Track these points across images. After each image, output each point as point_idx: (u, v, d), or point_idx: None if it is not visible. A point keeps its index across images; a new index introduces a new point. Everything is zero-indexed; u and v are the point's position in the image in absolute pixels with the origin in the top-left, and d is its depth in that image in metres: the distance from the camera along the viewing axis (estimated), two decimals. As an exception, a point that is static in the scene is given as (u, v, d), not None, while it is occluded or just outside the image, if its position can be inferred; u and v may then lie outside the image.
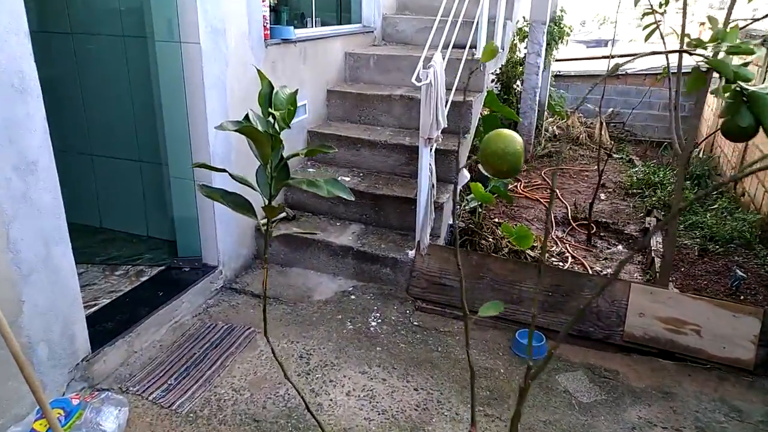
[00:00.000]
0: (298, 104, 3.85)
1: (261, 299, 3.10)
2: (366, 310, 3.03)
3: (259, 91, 1.15)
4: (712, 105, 6.56)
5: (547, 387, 2.52)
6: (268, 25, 3.25)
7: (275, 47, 3.35)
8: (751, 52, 0.82)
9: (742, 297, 3.51)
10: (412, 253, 3.20)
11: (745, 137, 0.82)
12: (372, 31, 4.85)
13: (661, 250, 4.02)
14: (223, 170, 1.27)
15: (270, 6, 4.06)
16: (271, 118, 1.11)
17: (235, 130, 1.06)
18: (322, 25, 4.35)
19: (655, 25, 2.87)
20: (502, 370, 2.62)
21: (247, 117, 1.10)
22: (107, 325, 2.55)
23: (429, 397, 2.42)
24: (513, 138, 1.02)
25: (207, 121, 2.83)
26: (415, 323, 2.96)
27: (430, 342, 2.80)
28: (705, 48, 0.78)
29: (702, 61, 0.79)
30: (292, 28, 3.49)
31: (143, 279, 2.97)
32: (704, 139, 5.01)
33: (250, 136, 1.08)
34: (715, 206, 4.94)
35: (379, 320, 2.95)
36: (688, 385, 2.58)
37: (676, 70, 2.98)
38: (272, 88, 1.16)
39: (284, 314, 2.97)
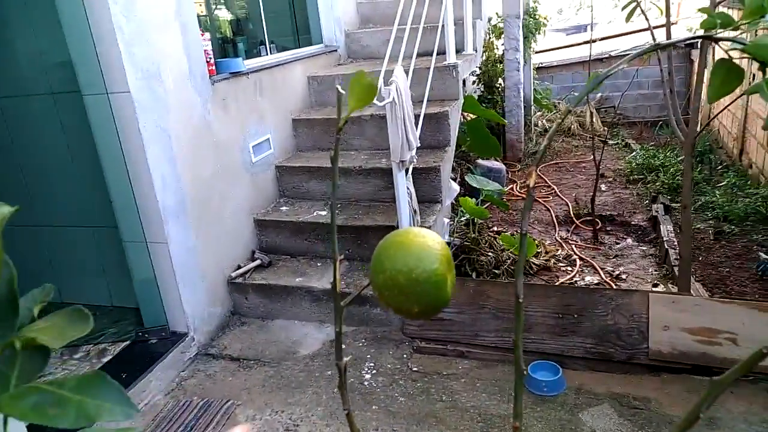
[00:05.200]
0: (261, 139, 3.62)
1: (240, 363, 2.78)
2: (358, 360, 2.71)
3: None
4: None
5: (570, 429, 2.18)
6: (212, 60, 2.96)
7: (224, 83, 3.06)
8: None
9: (771, 284, 3.18)
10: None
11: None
12: (335, 50, 4.56)
13: (675, 241, 3.71)
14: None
15: (222, 39, 3.80)
16: None
17: None
18: (281, 50, 4.06)
19: (635, 3, 2.57)
20: (517, 415, 2.29)
21: None
22: (62, 423, 2.23)
23: (436, 462, 2.09)
24: (423, 246, 0.54)
25: (150, 174, 2.53)
26: (414, 369, 2.63)
27: (432, 391, 2.47)
28: (736, 28, 0.47)
29: (734, 47, 0.48)
30: (240, 59, 3.20)
31: (105, 359, 2.66)
32: (712, 118, 4.69)
33: None
34: (723, 183, 4.62)
35: (374, 371, 2.62)
36: (732, 405, 2.24)
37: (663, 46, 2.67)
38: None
39: (267, 378, 2.65)
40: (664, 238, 3.76)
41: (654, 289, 3.22)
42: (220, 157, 3.03)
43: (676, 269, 3.33)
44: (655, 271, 3.62)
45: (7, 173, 3.04)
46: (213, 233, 2.99)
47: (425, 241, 0.54)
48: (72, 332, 0.71)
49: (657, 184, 4.89)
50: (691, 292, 2.73)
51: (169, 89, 2.64)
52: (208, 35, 2.96)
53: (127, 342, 2.79)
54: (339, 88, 0.49)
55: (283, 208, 3.50)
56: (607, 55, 7.28)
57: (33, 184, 3.04)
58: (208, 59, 2.93)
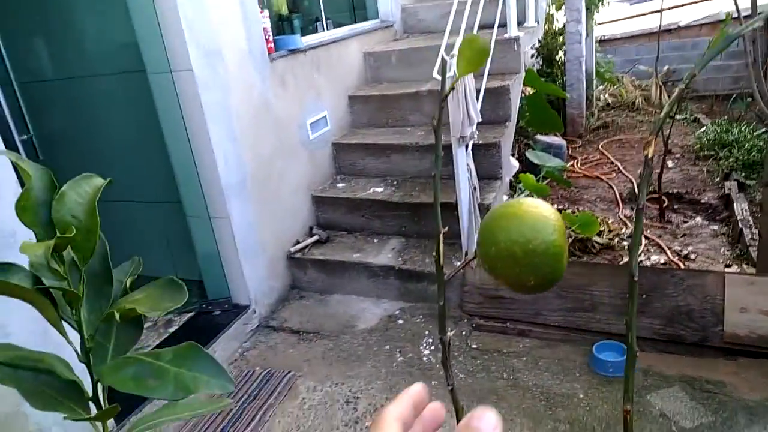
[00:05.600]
0: (318, 116, 3.62)
1: (300, 335, 2.83)
2: (416, 336, 2.70)
3: (21, 195, 0.63)
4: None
5: (638, 411, 2.11)
6: (270, 38, 2.97)
7: (282, 60, 3.07)
8: None
9: None
10: (459, 264, 2.84)
11: None
12: (392, 25, 4.50)
13: (750, 220, 3.50)
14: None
15: (278, 16, 3.80)
16: (53, 254, 0.60)
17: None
18: (337, 27, 4.04)
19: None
20: (581, 395, 2.23)
21: (5, 266, 0.63)
22: (133, 390, 2.34)
23: (497, 439, 2.06)
24: (539, 216, 0.50)
25: (213, 153, 2.58)
26: (474, 346, 2.60)
27: (492, 368, 2.44)
28: None
29: None
30: (298, 36, 3.20)
31: (171, 329, 2.76)
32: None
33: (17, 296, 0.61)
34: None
35: (432, 347, 2.61)
36: (816, 391, 2.10)
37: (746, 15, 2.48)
38: (54, 185, 0.65)
39: (326, 351, 2.68)
40: (738, 217, 3.55)
41: (729, 269, 3.05)
42: (279, 134, 3.06)
43: (751, 249, 3.15)
44: (728, 251, 3.43)
45: (77, 151, 3.17)
46: (272, 209, 3.03)
47: (540, 212, 0.50)
48: (168, 302, 0.71)
49: (730, 160, 4.61)
50: (771, 272, 2.57)
51: (229, 67, 2.66)
52: (266, 12, 2.96)
53: (192, 313, 2.88)
54: (443, 55, 0.48)
55: (340, 184, 3.51)
56: (675, 26, 6.89)
57: (102, 161, 3.15)
58: (267, 37, 2.93)
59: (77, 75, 2.98)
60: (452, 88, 0.47)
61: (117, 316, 0.56)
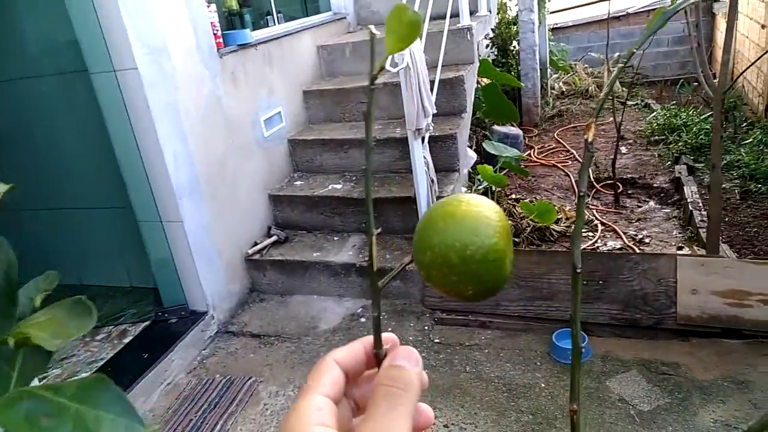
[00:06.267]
0: (272, 113, 3.55)
1: (261, 339, 2.77)
2: (379, 333, 2.68)
3: None
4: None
5: (598, 397, 2.14)
6: (219, 33, 2.88)
7: (232, 55, 2.98)
8: None
9: (804, 244, 3.07)
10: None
11: None
12: (345, 17, 4.44)
13: (699, 202, 3.60)
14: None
15: (228, 11, 3.70)
16: None
17: None
18: (288, 20, 3.96)
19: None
20: (543, 385, 2.25)
21: None
22: (87, 404, 2.25)
23: (462, 433, 2.06)
24: (479, 217, 0.43)
25: (162, 153, 2.49)
26: (437, 340, 2.60)
27: (455, 362, 2.44)
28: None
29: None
30: (248, 30, 3.12)
31: (127, 340, 2.66)
32: (740, 74, 4.51)
33: None
34: (749, 141, 4.46)
35: (395, 343, 2.59)
36: (765, 367, 2.18)
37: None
38: None
39: (288, 354, 2.64)
40: (689, 200, 3.65)
41: (681, 252, 3.14)
42: (232, 132, 2.98)
43: (701, 231, 3.24)
44: (680, 233, 3.53)
45: (19, 156, 3.02)
46: (228, 210, 2.95)
47: (480, 211, 0.43)
48: (73, 329, 0.65)
49: (679, 144, 4.74)
50: (720, 254, 2.65)
51: (176, 64, 2.57)
52: (213, 7, 2.87)
53: (148, 322, 2.79)
54: (372, 28, 0.40)
55: (298, 182, 3.45)
56: (624, 13, 7.03)
57: (46, 167, 3.01)
58: (215, 31, 2.84)
59: (15, 77, 2.84)
60: (381, 68, 0.41)
61: (11, 343, 0.50)
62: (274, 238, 3.17)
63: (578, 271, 0.43)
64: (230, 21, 3.61)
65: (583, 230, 3.75)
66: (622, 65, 0.49)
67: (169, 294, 2.81)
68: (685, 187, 3.86)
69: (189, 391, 2.47)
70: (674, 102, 5.93)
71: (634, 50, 0.44)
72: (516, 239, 3.44)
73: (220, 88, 2.88)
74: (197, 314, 2.77)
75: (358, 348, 0.41)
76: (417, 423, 0.39)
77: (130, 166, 2.57)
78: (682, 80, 6.47)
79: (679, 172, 4.20)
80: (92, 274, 3.22)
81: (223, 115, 2.90)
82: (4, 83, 2.87)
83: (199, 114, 2.72)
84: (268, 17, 3.79)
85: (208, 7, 2.82)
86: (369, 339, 0.40)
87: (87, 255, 3.18)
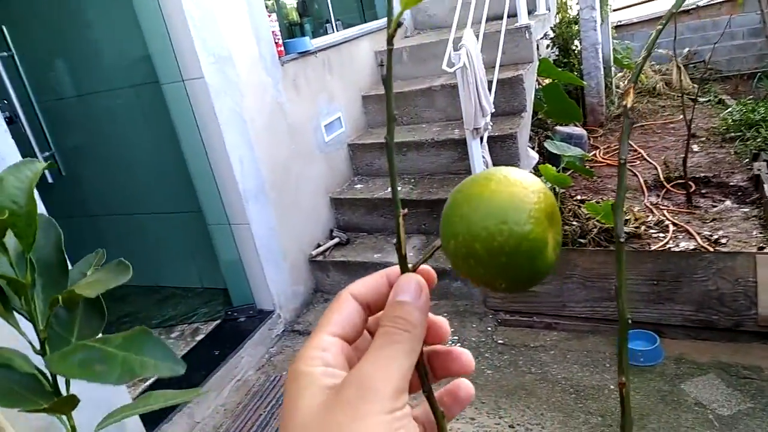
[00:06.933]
0: (332, 118, 3.62)
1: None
2: (441, 334, 2.67)
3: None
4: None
5: (672, 401, 2.05)
6: (280, 41, 2.98)
7: (293, 63, 3.07)
8: None
9: None
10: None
11: None
12: (401, 22, 4.48)
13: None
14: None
15: (289, 22, 3.82)
16: None
17: None
18: (347, 27, 4.04)
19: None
20: (612, 387, 2.17)
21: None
22: (162, 399, 2.36)
23: (528, 434, 2.02)
24: (511, 198, 0.37)
25: (229, 159, 2.59)
26: (500, 341, 2.56)
27: (520, 363, 2.40)
28: None
29: None
30: (307, 38, 3.20)
31: (199, 338, 2.78)
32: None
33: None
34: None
35: (458, 344, 2.57)
36: None
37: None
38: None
39: (351, 353, 2.67)
40: (769, 197, 3.44)
41: (762, 251, 2.96)
42: (294, 137, 3.06)
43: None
44: (760, 233, 3.33)
45: (97, 166, 3.23)
46: (291, 213, 3.04)
47: (513, 191, 0.37)
48: (111, 281, 0.71)
49: (758, 140, 4.47)
50: (806, 252, 2.48)
51: (240, 72, 2.68)
52: (274, 16, 2.97)
53: (218, 321, 2.90)
54: None
55: (358, 185, 3.50)
56: (694, 6, 6.73)
57: (122, 176, 3.20)
58: (277, 40, 2.94)
59: (94, 90, 3.04)
60: (399, 24, 0.38)
61: (60, 300, 0.55)
62: (336, 240, 3.23)
63: (621, 240, 0.42)
64: (291, 30, 3.73)
65: (653, 231, 3.61)
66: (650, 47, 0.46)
67: (238, 294, 2.91)
68: (765, 185, 3.64)
69: (258, 387, 2.54)
70: (751, 97, 5.60)
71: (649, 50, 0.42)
72: (582, 240, 3.35)
73: (283, 95, 2.98)
74: (264, 313, 2.86)
75: (379, 279, 0.38)
76: (429, 338, 0.38)
77: (200, 172, 2.69)
78: (759, 74, 6.11)
79: (758, 170, 3.97)
80: (167, 276, 3.38)
81: (285, 121, 2.99)
82: (82, 97, 3.08)
83: (263, 120, 2.82)
84: (327, 25, 3.88)
85: (270, 16, 2.92)
86: (394, 269, 0.38)
87: (162, 258, 3.35)
